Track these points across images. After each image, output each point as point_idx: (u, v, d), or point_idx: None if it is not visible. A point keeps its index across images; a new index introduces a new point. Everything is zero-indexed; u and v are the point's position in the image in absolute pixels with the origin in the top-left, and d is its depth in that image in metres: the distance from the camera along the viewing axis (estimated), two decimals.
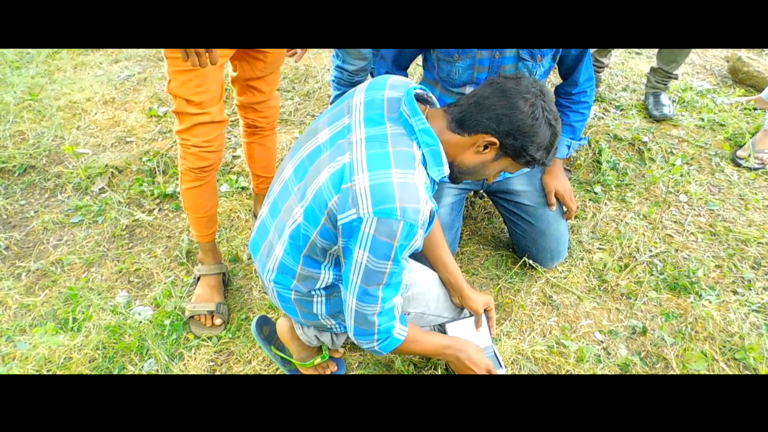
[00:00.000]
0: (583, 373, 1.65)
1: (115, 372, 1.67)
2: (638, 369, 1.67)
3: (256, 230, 1.43)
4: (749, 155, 2.36)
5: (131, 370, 1.68)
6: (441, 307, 1.58)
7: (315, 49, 3.23)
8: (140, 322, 1.80)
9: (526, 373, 1.64)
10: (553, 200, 1.87)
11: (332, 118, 1.30)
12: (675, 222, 2.17)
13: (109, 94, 2.92)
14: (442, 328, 1.59)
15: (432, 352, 1.43)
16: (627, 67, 3.10)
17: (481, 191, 2.05)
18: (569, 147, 1.89)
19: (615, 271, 1.98)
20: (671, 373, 1.65)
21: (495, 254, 2.08)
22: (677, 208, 2.22)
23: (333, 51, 1.98)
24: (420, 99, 1.29)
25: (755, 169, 2.35)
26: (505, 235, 2.14)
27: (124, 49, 3.32)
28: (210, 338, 1.77)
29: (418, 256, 1.61)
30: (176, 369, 1.68)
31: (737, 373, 1.65)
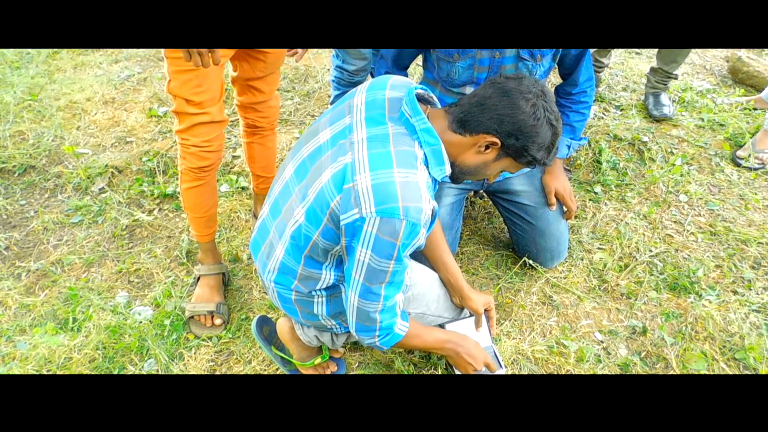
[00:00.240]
0: (583, 373, 1.65)
1: (115, 372, 1.67)
2: (638, 369, 1.67)
3: (257, 230, 1.43)
4: (749, 155, 2.36)
5: (131, 370, 1.68)
6: (441, 308, 1.58)
7: (315, 49, 3.23)
8: (140, 322, 1.80)
9: (526, 373, 1.64)
10: (553, 200, 1.87)
11: (333, 118, 1.30)
12: (675, 222, 2.17)
13: (109, 94, 2.92)
14: (441, 328, 1.59)
15: (432, 347, 1.44)
16: (627, 67, 3.10)
17: (481, 191, 2.05)
18: (569, 147, 1.89)
19: (615, 271, 1.98)
20: (671, 373, 1.66)
21: (495, 254, 2.08)
22: (677, 208, 2.22)
23: (333, 51, 1.98)
24: (421, 99, 1.29)
25: (755, 169, 2.36)
26: (505, 235, 2.14)
27: (124, 49, 3.32)
28: (210, 338, 1.77)
29: (419, 256, 1.61)
30: (176, 369, 1.68)
31: (737, 373, 1.65)
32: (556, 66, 1.80)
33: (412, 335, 1.34)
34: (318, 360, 1.61)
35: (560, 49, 1.72)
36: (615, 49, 3.01)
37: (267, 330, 1.67)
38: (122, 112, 2.80)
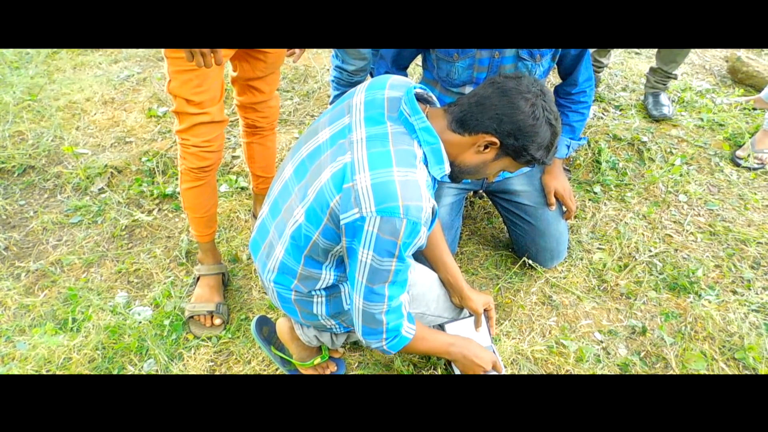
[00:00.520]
0: (582, 373, 1.65)
1: (115, 372, 1.67)
2: (638, 369, 1.67)
3: (257, 230, 1.43)
4: (748, 155, 2.36)
5: (131, 370, 1.68)
6: (441, 308, 1.58)
7: (314, 49, 3.23)
8: (140, 322, 1.80)
9: (526, 373, 1.64)
10: (553, 200, 1.87)
11: (332, 117, 1.30)
12: (674, 222, 2.17)
13: (108, 95, 2.92)
14: (441, 329, 1.59)
15: (438, 350, 1.43)
16: (626, 67, 3.11)
17: (481, 191, 2.05)
18: (569, 147, 1.89)
19: (614, 271, 1.98)
20: (671, 372, 1.66)
21: (495, 254, 2.08)
22: (677, 208, 2.22)
23: (332, 51, 1.98)
24: (420, 98, 1.29)
25: (754, 169, 2.36)
26: (505, 235, 2.14)
27: (123, 50, 3.32)
28: (209, 338, 1.77)
29: (418, 256, 1.61)
30: (176, 369, 1.68)
31: (737, 372, 1.65)
32: (555, 66, 1.80)
33: (418, 338, 1.34)
34: (317, 360, 1.61)
35: (560, 49, 1.72)
36: (614, 49, 3.01)
37: (266, 330, 1.67)
38: (122, 113, 2.80)
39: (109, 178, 2.40)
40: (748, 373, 1.64)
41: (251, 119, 1.89)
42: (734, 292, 1.89)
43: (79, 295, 1.90)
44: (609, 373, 1.66)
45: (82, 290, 1.92)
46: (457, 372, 1.52)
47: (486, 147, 1.23)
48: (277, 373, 1.68)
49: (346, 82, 1.95)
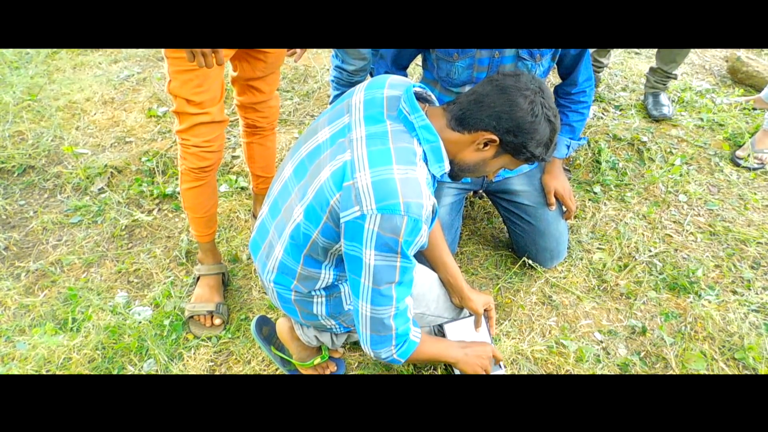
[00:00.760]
0: (582, 373, 1.65)
1: (115, 372, 1.67)
2: (638, 369, 1.67)
3: (256, 230, 1.43)
4: (748, 155, 2.36)
5: (131, 370, 1.68)
6: (441, 308, 1.58)
7: (314, 49, 3.23)
8: (140, 322, 1.80)
9: (526, 373, 1.64)
10: (553, 200, 1.87)
11: (332, 117, 1.30)
12: (674, 222, 2.17)
13: (108, 94, 2.92)
14: (441, 329, 1.59)
15: (440, 354, 1.43)
16: (626, 67, 3.11)
17: (481, 191, 2.05)
18: (568, 147, 1.89)
19: (614, 271, 1.98)
20: (671, 372, 1.66)
21: (494, 254, 2.08)
22: (676, 207, 2.22)
23: (332, 51, 1.98)
24: (419, 97, 1.29)
25: (754, 169, 2.36)
26: (505, 235, 2.14)
27: (123, 50, 3.32)
28: (209, 338, 1.77)
29: (418, 256, 1.61)
30: (176, 369, 1.68)
31: (737, 372, 1.65)
32: (555, 66, 1.80)
33: (424, 341, 1.34)
34: (317, 360, 1.61)
35: (559, 49, 1.72)
36: (614, 49, 3.02)
37: (266, 330, 1.67)
38: (121, 112, 2.80)
39: (109, 178, 2.40)
40: (748, 373, 1.64)
41: (251, 119, 1.89)
42: (734, 292, 1.89)
43: (79, 295, 1.90)
44: (609, 373, 1.66)
45: (82, 290, 1.92)
46: (457, 372, 1.52)
47: (485, 144, 1.23)
48: (277, 373, 1.68)
49: (345, 82, 1.95)
